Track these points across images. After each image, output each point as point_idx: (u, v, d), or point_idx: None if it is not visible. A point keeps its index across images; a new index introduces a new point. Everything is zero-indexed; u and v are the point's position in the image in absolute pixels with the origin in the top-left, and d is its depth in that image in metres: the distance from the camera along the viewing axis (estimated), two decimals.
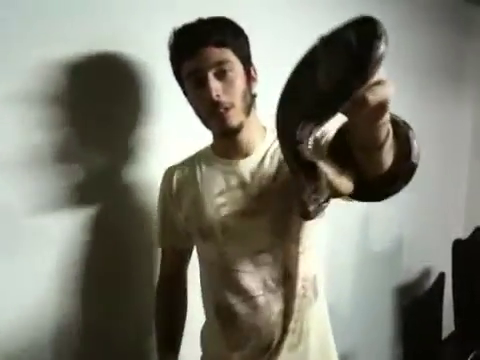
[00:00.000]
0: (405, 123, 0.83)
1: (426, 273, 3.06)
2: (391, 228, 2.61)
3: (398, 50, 2.49)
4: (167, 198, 1.25)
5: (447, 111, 3.13)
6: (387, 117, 0.69)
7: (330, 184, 0.74)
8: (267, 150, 1.15)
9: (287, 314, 1.13)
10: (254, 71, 1.15)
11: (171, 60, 1.12)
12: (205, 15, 1.09)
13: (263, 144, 1.16)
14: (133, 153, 1.38)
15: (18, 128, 1.15)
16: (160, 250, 1.35)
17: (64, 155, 1.23)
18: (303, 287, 1.14)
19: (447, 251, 2.68)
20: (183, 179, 1.22)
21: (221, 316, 1.17)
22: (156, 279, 1.37)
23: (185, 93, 1.15)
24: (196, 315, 1.28)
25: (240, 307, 1.13)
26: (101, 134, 1.31)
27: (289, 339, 1.14)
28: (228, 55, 1.06)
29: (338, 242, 2.18)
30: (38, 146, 1.19)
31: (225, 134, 1.12)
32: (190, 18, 1.09)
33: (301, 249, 1.12)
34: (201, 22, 1.08)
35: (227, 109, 1.06)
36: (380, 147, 0.74)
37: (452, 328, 2.81)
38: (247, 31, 1.12)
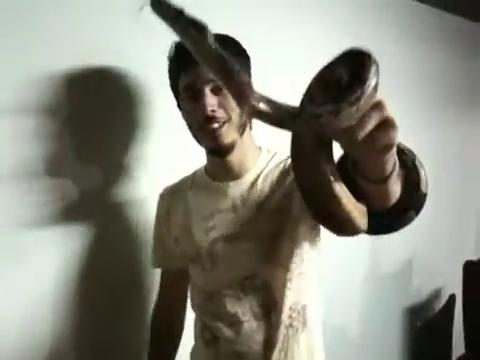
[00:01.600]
0: (410, 151, 0.82)
1: (436, 295, 3.04)
2: (401, 249, 2.60)
3: (413, 73, 2.53)
4: (160, 221, 1.27)
5: (462, 134, 3.13)
6: (394, 150, 0.65)
7: (349, 217, 0.71)
8: (260, 173, 1.14)
9: (270, 344, 1.09)
10: None
11: (169, 72, 1.13)
12: None
13: (256, 166, 1.15)
14: (126, 169, 1.39)
15: (10, 140, 1.17)
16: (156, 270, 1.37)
17: (54, 169, 1.25)
18: (290, 317, 1.09)
19: (458, 272, 2.66)
20: (175, 202, 1.23)
21: (205, 338, 1.16)
22: (151, 295, 1.39)
23: (179, 106, 1.14)
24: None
25: (225, 331, 1.11)
26: (94, 147, 1.33)
27: None
28: None
29: (348, 263, 2.18)
30: (28, 159, 1.20)
31: (216, 152, 1.10)
32: None
33: (289, 276, 1.08)
34: None
35: (221, 125, 1.04)
36: (387, 179, 0.69)
37: (462, 350, 2.79)
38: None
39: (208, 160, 1.19)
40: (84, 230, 1.32)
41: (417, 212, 0.83)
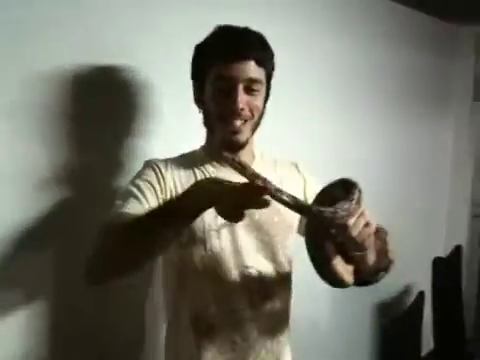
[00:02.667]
0: (383, 230, 1.12)
1: (406, 291, 3.07)
2: None
3: (384, 71, 2.55)
4: (155, 188, 1.10)
5: (430, 131, 3.18)
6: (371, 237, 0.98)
7: (341, 278, 1.01)
8: (257, 166, 1.14)
9: (266, 332, 1.15)
10: (270, 89, 1.18)
11: (199, 56, 1.13)
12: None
13: (255, 160, 1.21)
14: (128, 164, 1.38)
15: (10, 136, 1.16)
16: None
17: (56, 166, 1.24)
18: (280, 308, 1.18)
19: (427, 269, 2.70)
20: (178, 177, 1.14)
21: (198, 327, 1.13)
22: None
23: (198, 92, 1.15)
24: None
25: (221, 319, 1.12)
26: (96, 143, 1.32)
27: (265, 357, 1.16)
28: (262, 76, 1.10)
29: None
30: (28, 156, 1.19)
31: (229, 147, 1.09)
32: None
33: (282, 271, 1.18)
34: (247, 31, 1.09)
35: (243, 123, 1.09)
36: (366, 251, 1.00)
37: (431, 346, 2.82)
38: None
39: (214, 149, 1.16)
40: (83, 226, 1.28)
41: (386, 272, 1.10)
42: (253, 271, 1.13)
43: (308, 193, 1.23)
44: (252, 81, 1.07)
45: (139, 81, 1.38)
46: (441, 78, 3.23)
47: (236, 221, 0.82)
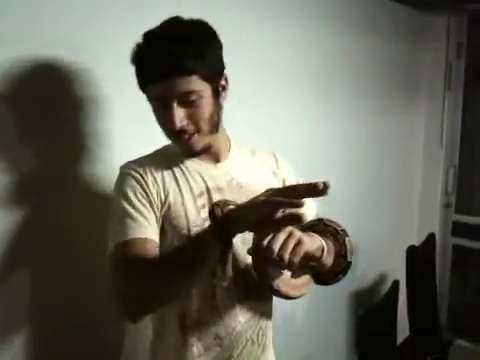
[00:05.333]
0: (343, 230, 1.14)
1: (381, 279, 3.09)
2: None
3: (353, 59, 2.54)
4: (138, 194, 1.07)
5: (401, 119, 3.19)
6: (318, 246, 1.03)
7: (286, 295, 1.08)
8: (237, 159, 1.20)
9: (251, 325, 1.17)
10: (225, 80, 1.11)
11: (137, 75, 1.06)
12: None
13: (231, 154, 1.20)
14: (86, 153, 1.34)
15: None
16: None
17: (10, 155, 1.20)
18: (265, 300, 1.22)
19: (401, 258, 2.71)
20: (159, 177, 1.11)
21: (184, 324, 1.12)
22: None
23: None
24: None
25: (206, 315, 1.11)
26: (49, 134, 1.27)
27: (251, 350, 1.17)
28: (194, 84, 1.01)
29: None
30: None
31: (190, 155, 1.12)
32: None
33: None
34: (165, 40, 1.00)
35: (191, 136, 1.06)
36: (319, 259, 1.05)
37: (407, 333, 2.84)
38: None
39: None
40: (41, 215, 1.26)
41: (344, 275, 1.14)
42: (237, 265, 1.12)
43: (286, 184, 1.25)
44: (185, 94, 1.01)
45: (85, 74, 1.33)
46: (413, 67, 3.24)
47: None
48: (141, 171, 1.09)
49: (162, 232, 1.09)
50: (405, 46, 3.08)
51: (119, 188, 1.09)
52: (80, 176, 1.34)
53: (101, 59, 1.33)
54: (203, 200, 1.11)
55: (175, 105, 1.01)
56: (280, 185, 1.23)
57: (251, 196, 0.98)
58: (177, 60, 0.98)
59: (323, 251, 1.04)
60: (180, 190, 1.11)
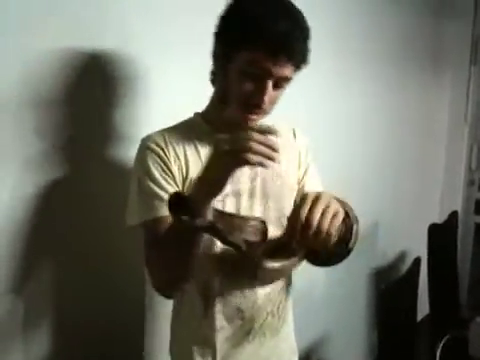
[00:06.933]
0: (355, 217, 1.05)
1: (402, 257, 3.08)
2: (367, 212, 2.60)
3: (376, 33, 2.48)
4: (162, 172, 1.08)
5: (424, 94, 3.13)
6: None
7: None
8: None
9: (271, 298, 1.18)
10: None
11: (241, 27, 0.99)
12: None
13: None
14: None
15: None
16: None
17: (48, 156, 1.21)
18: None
19: (423, 235, 2.68)
20: (180, 152, 1.10)
21: (206, 296, 1.13)
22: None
23: (222, 59, 1.07)
24: None
25: (227, 288, 1.12)
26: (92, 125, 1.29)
27: (271, 323, 1.19)
28: (291, 73, 1.03)
29: None
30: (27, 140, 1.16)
31: (236, 126, 1.03)
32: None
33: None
34: (299, 26, 1.00)
35: (260, 113, 1.06)
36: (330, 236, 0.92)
37: (427, 311, 2.84)
38: None
39: (221, 123, 1.12)
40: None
41: (340, 261, 1.09)
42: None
43: (302, 163, 1.25)
44: (284, 79, 1.02)
45: (136, 69, 1.35)
46: (438, 40, 3.17)
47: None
48: (163, 145, 1.08)
49: None
50: (430, 19, 3.00)
51: (141, 163, 1.09)
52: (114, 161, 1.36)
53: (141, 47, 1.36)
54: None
55: (270, 84, 1.01)
56: (295, 159, 1.24)
57: (268, 172, 1.05)
58: (303, 49, 1.02)
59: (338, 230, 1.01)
60: (202, 164, 1.08)
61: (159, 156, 1.07)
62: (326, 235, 0.89)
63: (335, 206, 0.91)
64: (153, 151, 1.08)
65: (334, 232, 0.90)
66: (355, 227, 1.05)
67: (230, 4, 1.04)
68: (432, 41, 3.10)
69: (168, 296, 1.15)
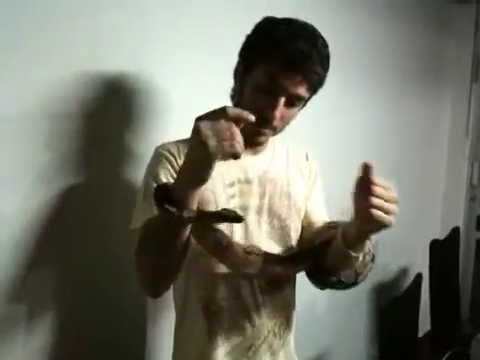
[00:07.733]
0: (373, 255, 1.08)
1: (403, 273, 3.07)
2: None
3: (378, 48, 2.50)
4: (169, 176, 1.08)
5: (426, 112, 3.14)
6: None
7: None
8: (273, 153, 1.20)
9: (274, 316, 1.17)
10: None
11: (266, 41, 1.03)
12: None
13: (268, 147, 1.19)
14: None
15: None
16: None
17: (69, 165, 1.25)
18: (291, 289, 1.23)
19: (425, 251, 2.68)
20: None
21: (208, 311, 1.12)
22: None
23: (243, 66, 1.09)
24: None
25: (230, 304, 1.12)
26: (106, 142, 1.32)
27: (272, 341, 1.17)
28: (305, 92, 1.04)
29: None
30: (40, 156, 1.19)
31: (247, 141, 1.01)
32: None
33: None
34: (315, 49, 1.02)
35: (269, 130, 1.07)
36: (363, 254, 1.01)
37: (428, 327, 2.82)
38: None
39: None
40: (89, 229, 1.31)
41: (343, 289, 1.13)
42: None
43: (311, 187, 1.26)
44: (296, 97, 1.04)
45: (149, 85, 1.39)
46: (439, 57, 3.19)
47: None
48: (175, 152, 1.10)
49: None
50: (432, 35, 3.03)
51: (151, 168, 1.10)
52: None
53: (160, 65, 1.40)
54: (233, 190, 1.11)
55: (282, 101, 1.02)
56: (304, 182, 1.24)
57: (277, 191, 1.07)
58: (319, 70, 1.03)
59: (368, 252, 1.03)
60: (213, 178, 1.07)
61: (171, 163, 1.09)
62: (385, 212, 0.85)
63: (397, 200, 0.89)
64: (165, 158, 1.09)
65: (393, 215, 0.87)
66: (370, 265, 1.07)
67: (256, 24, 1.08)
68: (433, 58, 3.12)
69: (155, 295, 1.09)
